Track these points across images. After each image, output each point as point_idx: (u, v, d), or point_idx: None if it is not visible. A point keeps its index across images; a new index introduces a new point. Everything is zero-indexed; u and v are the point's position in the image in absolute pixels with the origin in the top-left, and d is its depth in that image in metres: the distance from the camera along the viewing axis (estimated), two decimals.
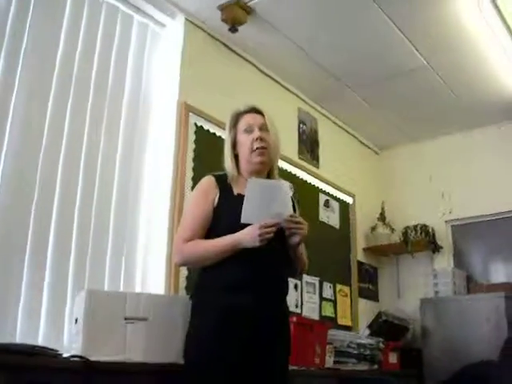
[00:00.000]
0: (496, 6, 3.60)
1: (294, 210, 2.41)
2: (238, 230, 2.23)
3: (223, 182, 2.39)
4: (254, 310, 2.20)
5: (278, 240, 2.26)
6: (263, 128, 2.42)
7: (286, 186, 2.31)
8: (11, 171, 2.72)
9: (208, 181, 2.42)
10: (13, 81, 2.83)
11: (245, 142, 2.41)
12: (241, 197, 2.25)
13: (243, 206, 2.20)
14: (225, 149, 2.48)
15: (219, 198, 2.36)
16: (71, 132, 3.06)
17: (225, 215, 2.31)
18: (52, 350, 2.17)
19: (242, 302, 2.19)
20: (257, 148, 2.38)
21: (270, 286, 2.28)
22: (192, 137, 3.66)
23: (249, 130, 2.42)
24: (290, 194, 2.31)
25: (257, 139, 2.39)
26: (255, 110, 2.49)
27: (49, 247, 2.84)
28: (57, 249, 2.87)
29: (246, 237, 2.20)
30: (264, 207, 2.22)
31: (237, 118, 2.49)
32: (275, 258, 2.31)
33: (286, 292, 2.42)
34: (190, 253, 2.31)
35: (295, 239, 2.30)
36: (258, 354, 2.21)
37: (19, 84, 2.84)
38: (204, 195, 2.37)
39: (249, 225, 2.22)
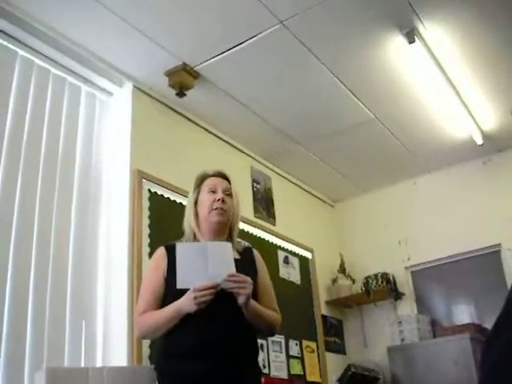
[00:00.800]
0: (430, 54, 3.75)
1: (248, 270, 2.35)
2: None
3: (173, 251, 2.35)
4: (209, 375, 2.15)
5: (231, 301, 2.21)
6: (227, 192, 2.47)
7: (224, 246, 2.28)
8: None
9: (159, 252, 2.46)
10: None
11: (206, 201, 2.44)
12: None
13: (176, 271, 2.20)
14: (186, 209, 2.52)
15: (168, 268, 2.36)
16: (22, 204, 3.01)
17: (172, 283, 2.27)
18: None
19: (196, 369, 2.15)
20: (216, 208, 2.40)
21: (223, 349, 2.21)
22: (146, 203, 3.63)
23: (213, 191, 2.46)
24: (231, 253, 2.25)
25: (218, 200, 2.42)
26: (222, 175, 2.54)
27: (4, 325, 2.73)
28: (12, 325, 2.76)
29: (185, 302, 2.18)
30: (200, 270, 2.18)
31: (202, 178, 2.53)
32: (229, 320, 2.25)
33: (246, 354, 2.32)
34: (145, 325, 2.31)
35: (240, 300, 2.20)
36: None
37: None
38: (155, 267, 2.41)
39: None
